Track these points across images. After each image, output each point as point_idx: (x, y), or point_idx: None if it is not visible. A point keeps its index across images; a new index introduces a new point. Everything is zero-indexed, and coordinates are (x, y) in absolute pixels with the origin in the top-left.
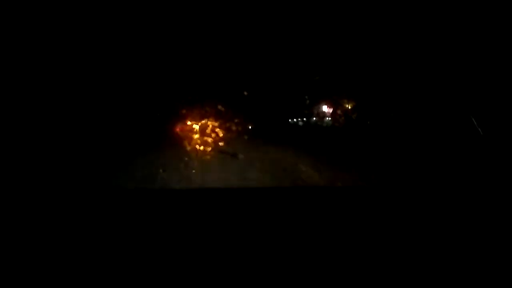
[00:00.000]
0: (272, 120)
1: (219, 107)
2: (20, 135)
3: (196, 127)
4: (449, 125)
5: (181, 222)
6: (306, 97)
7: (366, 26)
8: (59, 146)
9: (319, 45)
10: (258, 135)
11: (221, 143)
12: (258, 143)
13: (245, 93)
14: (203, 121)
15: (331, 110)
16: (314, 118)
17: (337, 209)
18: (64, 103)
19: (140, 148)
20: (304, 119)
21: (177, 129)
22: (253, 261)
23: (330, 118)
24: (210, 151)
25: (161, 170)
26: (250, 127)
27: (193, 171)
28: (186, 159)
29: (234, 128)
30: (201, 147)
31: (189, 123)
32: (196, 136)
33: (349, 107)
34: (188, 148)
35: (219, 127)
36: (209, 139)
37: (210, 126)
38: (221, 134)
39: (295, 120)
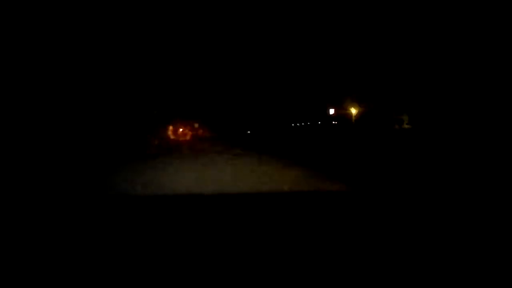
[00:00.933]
0: (270, 124)
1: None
2: (18, 140)
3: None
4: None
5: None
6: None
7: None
8: (54, 151)
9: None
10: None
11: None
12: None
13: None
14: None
15: (334, 113)
16: (319, 122)
17: (325, 215)
18: (58, 108)
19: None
20: (308, 123)
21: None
22: (248, 266)
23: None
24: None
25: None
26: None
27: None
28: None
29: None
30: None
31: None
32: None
33: (355, 112)
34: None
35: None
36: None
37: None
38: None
39: (298, 124)
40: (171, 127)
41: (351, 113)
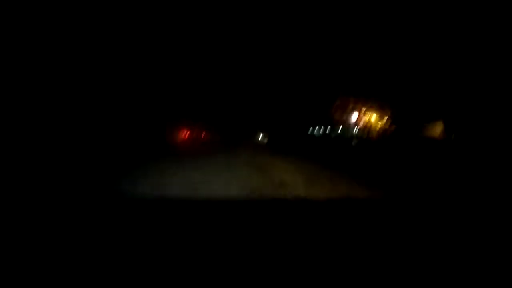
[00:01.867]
0: (288, 131)
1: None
2: (18, 141)
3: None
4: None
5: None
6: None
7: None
8: (55, 151)
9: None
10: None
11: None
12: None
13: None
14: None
15: (357, 120)
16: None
17: (337, 222)
18: (59, 109)
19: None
20: (324, 129)
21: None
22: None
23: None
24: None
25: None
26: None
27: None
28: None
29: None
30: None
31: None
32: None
33: (382, 119)
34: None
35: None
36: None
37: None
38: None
39: (315, 130)
40: (179, 131)
41: (376, 119)
